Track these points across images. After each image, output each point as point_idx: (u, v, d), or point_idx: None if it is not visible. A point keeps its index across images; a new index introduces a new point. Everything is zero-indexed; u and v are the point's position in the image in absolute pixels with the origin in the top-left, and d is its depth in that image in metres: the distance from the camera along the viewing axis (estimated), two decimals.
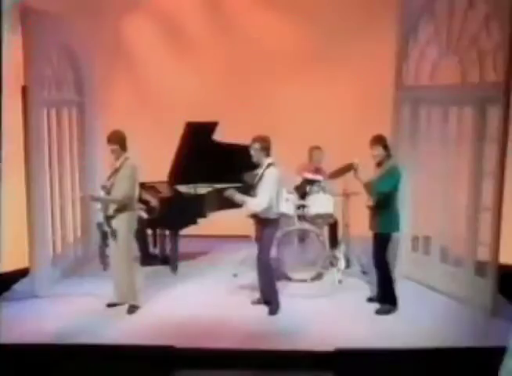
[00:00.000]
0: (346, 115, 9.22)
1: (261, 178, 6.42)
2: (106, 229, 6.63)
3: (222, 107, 8.73)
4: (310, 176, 7.98)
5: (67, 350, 5.72)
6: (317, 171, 8.18)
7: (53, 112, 7.59)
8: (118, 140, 6.46)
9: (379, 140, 6.41)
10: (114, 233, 6.53)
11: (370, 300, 6.88)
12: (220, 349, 5.67)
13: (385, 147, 6.41)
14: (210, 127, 8.09)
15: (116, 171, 6.49)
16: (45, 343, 5.78)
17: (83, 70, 8.18)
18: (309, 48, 9.25)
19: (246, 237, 7.66)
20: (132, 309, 6.63)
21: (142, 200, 8.08)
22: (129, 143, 6.57)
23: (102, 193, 6.55)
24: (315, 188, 7.88)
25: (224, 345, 5.74)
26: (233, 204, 7.60)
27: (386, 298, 6.63)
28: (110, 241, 6.69)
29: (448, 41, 6.91)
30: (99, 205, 6.75)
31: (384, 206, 6.39)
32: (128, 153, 6.53)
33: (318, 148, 8.27)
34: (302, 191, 7.95)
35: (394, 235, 6.74)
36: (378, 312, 6.58)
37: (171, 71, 9.51)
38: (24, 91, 6.75)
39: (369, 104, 8.79)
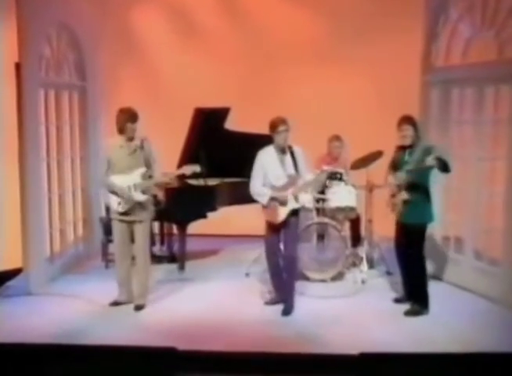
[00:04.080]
0: (367, 103, 8.70)
1: (294, 160, 5.90)
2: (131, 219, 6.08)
3: (236, 98, 8.10)
4: (329, 169, 7.34)
5: (61, 350, 5.16)
6: (337, 162, 7.58)
7: (52, 94, 7.14)
8: (137, 117, 5.97)
9: (409, 119, 5.83)
10: (136, 224, 6.06)
11: (397, 301, 6.30)
12: (228, 352, 5.14)
13: (415, 127, 5.82)
14: (222, 113, 7.52)
15: (142, 148, 5.99)
16: (34, 343, 5.25)
17: (85, 54, 7.77)
18: (330, 32, 8.77)
19: (258, 237, 7.09)
20: (138, 308, 6.16)
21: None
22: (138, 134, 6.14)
23: (139, 180, 5.99)
24: (335, 180, 7.25)
25: (233, 347, 5.21)
26: (247, 200, 7.10)
27: (417, 298, 6.04)
28: (118, 237, 6.15)
29: (484, 14, 6.36)
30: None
31: (422, 193, 5.82)
32: None
33: (337, 137, 7.68)
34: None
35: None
36: (407, 313, 5.99)
37: (181, 60, 9.05)
38: (18, 68, 6.24)
39: (392, 90, 8.23)
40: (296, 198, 5.91)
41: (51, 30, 6.97)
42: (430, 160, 5.46)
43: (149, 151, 6.04)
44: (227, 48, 9.03)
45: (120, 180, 5.93)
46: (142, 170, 5.97)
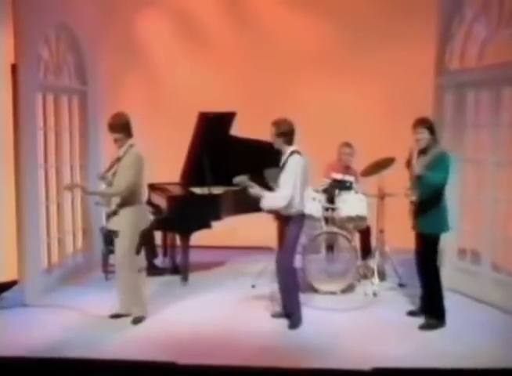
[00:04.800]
0: (378, 109, 8.42)
1: (283, 167, 5.58)
2: (109, 227, 5.79)
3: (242, 106, 7.73)
4: (339, 177, 7.05)
5: (56, 365, 4.88)
6: (347, 170, 7.26)
7: (50, 98, 6.88)
8: (122, 127, 5.64)
9: (423, 122, 5.54)
10: (116, 233, 5.69)
11: (411, 314, 5.98)
12: (231, 367, 4.81)
13: (431, 130, 5.52)
14: (228, 118, 7.22)
15: (118, 160, 5.67)
16: (28, 356, 5.03)
17: (86, 57, 7.49)
18: (338, 38, 8.51)
19: (265, 249, 6.82)
20: (137, 321, 5.84)
21: (150, 203, 7.37)
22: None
23: (102, 186, 5.74)
24: (344, 189, 6.94)
25: (237, 362, 4.90)
26: (254, 209, 6.82)
27: (432, 311, 5.72)
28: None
29: (500, 13, 6.06)
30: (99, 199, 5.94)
31: (434, 201, 5.50)
32: (132, 140, 5.72)
33: (348, 144, 7.38)
34: (331, 194, 6.99)
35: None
36: (423, 327, 5.66)
37: (185, 67, 8.80)
38: (14, 70, 5.98)
39: (403, 96, 7.94)
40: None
41: (49, 31, 6.72)
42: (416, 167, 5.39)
43: (127, 161, 5.63)
44: (232, 54, 8.79)
45: None
46: (108, 178, 5.68)
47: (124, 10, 8.63)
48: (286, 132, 5.57)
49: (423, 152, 5.53)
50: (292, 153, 5.58)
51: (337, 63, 8.49)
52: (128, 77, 8.82)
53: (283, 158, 5.62)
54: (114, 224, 5.71)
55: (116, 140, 5.65)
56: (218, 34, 8.82)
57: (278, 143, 5.61)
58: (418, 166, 5.41)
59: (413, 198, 5.56)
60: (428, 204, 5.50)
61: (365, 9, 8.36)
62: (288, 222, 5.61)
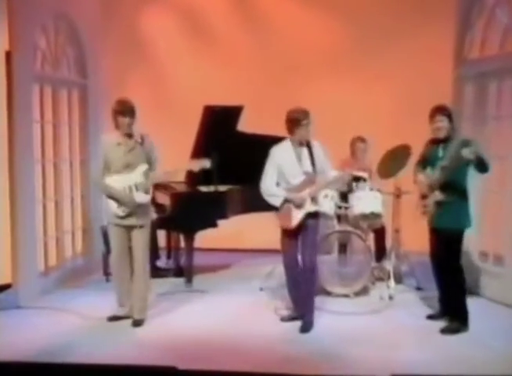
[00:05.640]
0: (392, 105, 8.13)
1: (312, 157, 5.31)
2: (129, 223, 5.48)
3: (250, 104, 7.34)
4: (353, 173, 6.71)
5: (51, 370, 4.69)
6: (360, 166, 6.94)
7: (48, 91, 6.61)
8: (134, 111, 5.41)
9: (442, 109, 5.22)
10: (141, 227, 5.49)
11: (431, 317, 5.67)
12: (236, 373, 4.57)
13: (450, 118, 5.19)
14: (234, 112, 6.92)
15: (143, 149, 5.41)
16: (22, 361, 4.77)
17: (87, 49, 7.24)
18: (350, 34, 8.28)
19: (273, 251, 6.48)
20: (137, 324, 5.57)
21: (154, 203, 7.05)
22: None
23: (140, 179, 5.41)
24: (359, 186, 6.61)
25: (244, 367, 4.64)
26: (260, 208, 6.50)
27: (455, 314, 5.39)
28: (117, 243, 5.65)
29: None
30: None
31: (461, 194, 5.21)
32: None
33: (361, 139, 7.08)
34: (344, 191, 6.68)
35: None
36: (445, 331, 5.33)
37: (190, 64, 8.55)
38: (9, 58, 5.69)
39: (417, 92, 7.67)
40: (313, 200, 5.32)
41: (47, 20, 6.45)
42: (467, 153, 4.82)
43: (151, 148, 5.48)
44: (239, 51, 8.56)
45: (117, 181, 5.36)
46: (144, 167, 5.40)
47: (127, 4, 8.43)
48: None
49: (441, 142, 5.19)
50: (308, 140, 5.37)
51: (346, 60, 8.28)
52: (131, 72, 8.56)
53: (304, 147, 5.34)
54: (139, 219, 5.45)
55: (129, 125, 5.40)
56: (224, 31, 8.61)
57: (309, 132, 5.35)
58: (449, 157, 5.02)
59: (439, 197, 5.16)
60: (453, 197, 5.15)
61: (375, 5, 8.13)
62: (311, 218, 5.34)
